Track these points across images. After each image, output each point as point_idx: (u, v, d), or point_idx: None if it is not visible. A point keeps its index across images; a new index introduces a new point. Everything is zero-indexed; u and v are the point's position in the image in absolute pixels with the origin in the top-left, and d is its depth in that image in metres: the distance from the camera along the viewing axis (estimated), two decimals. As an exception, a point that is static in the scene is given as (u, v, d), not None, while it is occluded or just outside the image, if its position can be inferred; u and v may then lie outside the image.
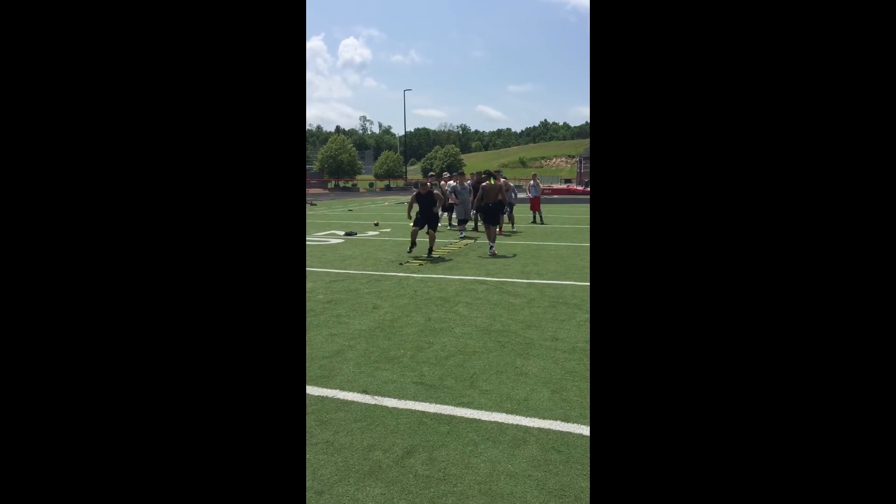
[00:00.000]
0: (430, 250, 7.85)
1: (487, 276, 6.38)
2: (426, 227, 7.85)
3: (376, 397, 2.86)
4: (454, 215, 11.95)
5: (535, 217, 13.69)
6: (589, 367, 3.24)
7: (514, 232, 11.35)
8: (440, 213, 8.20)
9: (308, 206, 22.70)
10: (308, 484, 2.04)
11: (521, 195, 18.82)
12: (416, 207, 8.13)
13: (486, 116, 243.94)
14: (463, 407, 2.72)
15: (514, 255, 7.97)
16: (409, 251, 8.11)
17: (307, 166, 57.94)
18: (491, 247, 8.03)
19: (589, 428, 2.47)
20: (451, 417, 2.61)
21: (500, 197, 8.24)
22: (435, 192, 8.11)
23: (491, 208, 8.16)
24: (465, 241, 9.72)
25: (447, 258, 7.78)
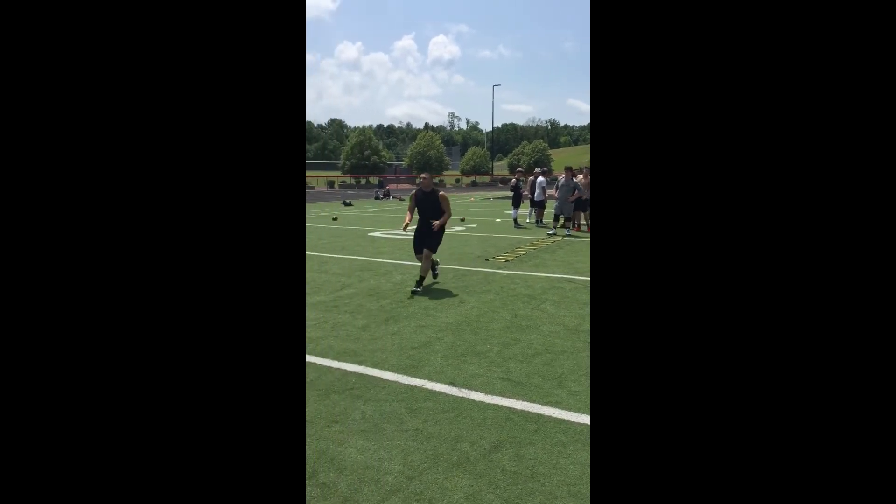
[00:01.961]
0: (420, 280, 5.32)
1: (576, 274, 6.21)
2: (423, 248, 5.39)
3: (463, 390, 2.90)
4: (538, 211, 11.77)
5: None
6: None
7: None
8: (442, 227, 5.45)
9: (398, 200, 23.43)
10: (399, 468, 2.13)
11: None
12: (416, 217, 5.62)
13: (577, 110, 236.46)
14: (551, 406, 2.69)
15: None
16: (419, 287, 5.28)
17: (397, 162, 59.76)
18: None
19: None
20: (539, 416, 2.58)
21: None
22: (441, 193, 5.53)
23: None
24: (552, 238, 9.54)
25: (533, 255, 7.68)
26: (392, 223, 12.85)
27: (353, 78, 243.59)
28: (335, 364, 3.30)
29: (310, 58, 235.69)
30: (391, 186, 34.34)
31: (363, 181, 42.33)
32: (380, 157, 46.40)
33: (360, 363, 3.31)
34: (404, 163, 53.13)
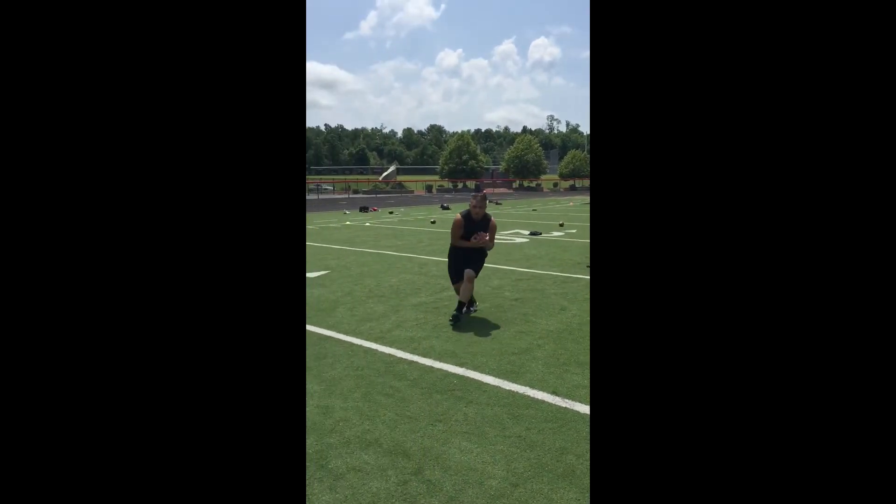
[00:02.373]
0: (462, 305, 4.41)
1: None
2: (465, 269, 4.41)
3: (567, 400, 2.83)
4: None
5: None
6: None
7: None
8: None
9: (494, 204, 23.45)
10: (502, 474, 2.12)
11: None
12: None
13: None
14: (662, 425, 2.53)
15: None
16: (461, 312, 4.39)
17: (494, 166, 59.86)
18: None
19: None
20: (649, 434, 2.44)
21: None
22: (493, 221, 4.54)
23: None
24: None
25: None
26: (489, 227, 12.86)
27: (453, 84, 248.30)
28: (437, 364, 3.38)
29: (411, 67, 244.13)
30: (488, 191, 34.46)
31: (460, 185, 42.94)
32: (477, 161, 46.80)
33: (460, 365, 3.35)
34: (501, 167, 53.13)
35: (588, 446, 2.34)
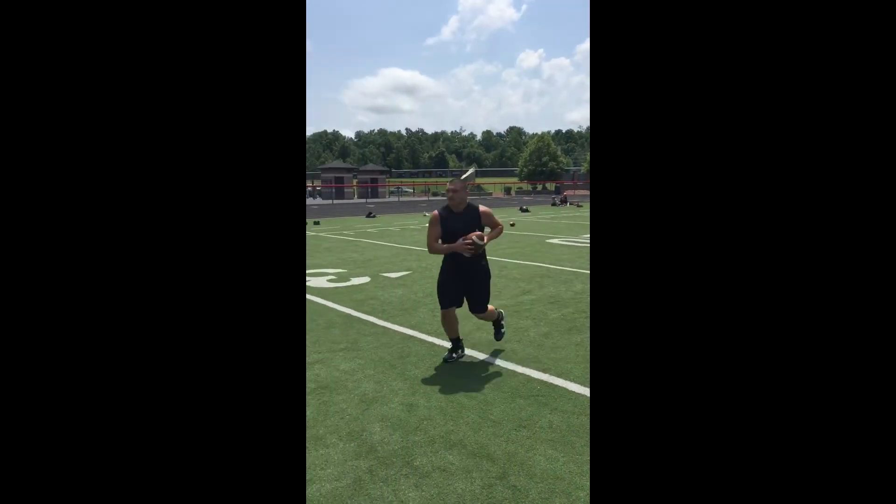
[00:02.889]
0: (456, 343, 3.45)
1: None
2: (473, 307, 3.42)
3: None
4: None
5: None
6: None
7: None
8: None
9: (575, 207, 22.86)
10: (588, 485, 2.04)
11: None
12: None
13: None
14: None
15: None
16: (454, 355, 3.45)
17: (575, 167, 58.32)
18: None
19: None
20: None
21: None
22: (482, 209, 3.37)
23: None
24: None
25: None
26: (570, 230, 12.57)
27: (533, 85, 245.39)
28: (519, 369, 3.33)
29: (490, 69, 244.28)
30: (568, 193, 33.63)
31: (539, 187, 42.28)
32: (557, 162, 45.86)
33: (543, 371, 3.28)
34: (583, 168, 51.67)
35: (684, 464, 2.19)
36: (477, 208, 3.37)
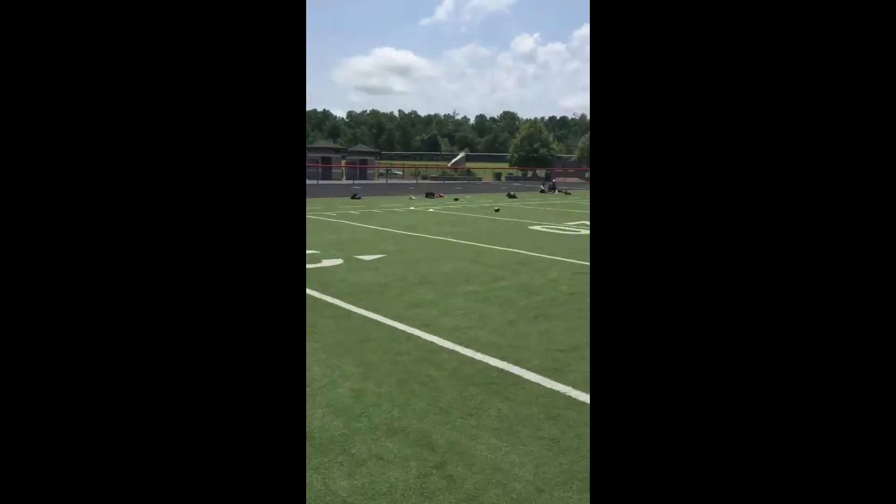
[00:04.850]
0: None
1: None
2: None
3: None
4: None
5: None
6: None
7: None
8: None
9: (563, 194, 22.83)
10: (529, 478, 2.00)
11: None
12: None
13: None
14: (716, 442, 2.29)
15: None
16: None
17: (567, 154, 58.20)
18: None
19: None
20: (700, 450, 2.22)
21: None
22: None
23: None
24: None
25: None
26: (554, 218, 12.52)
27: (528, 70, 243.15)
28: (478, 356, 3.28)
29: (485, 52, 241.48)
30: (557, 180, 33.52)
31: (529, 174, 42.15)
32: (549, 149, 45.71)
33: (503, 359, 3.23)
34: (575, 155, 51.58)
35: (627, 457, 2.16)
36: None
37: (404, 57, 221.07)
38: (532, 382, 2.90)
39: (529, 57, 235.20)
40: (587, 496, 1.89)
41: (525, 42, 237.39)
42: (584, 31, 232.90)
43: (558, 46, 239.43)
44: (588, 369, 3.09)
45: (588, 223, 11.20)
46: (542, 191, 24.90)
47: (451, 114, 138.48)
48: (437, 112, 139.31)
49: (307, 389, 2.74)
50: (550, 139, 48.32)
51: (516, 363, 3.16)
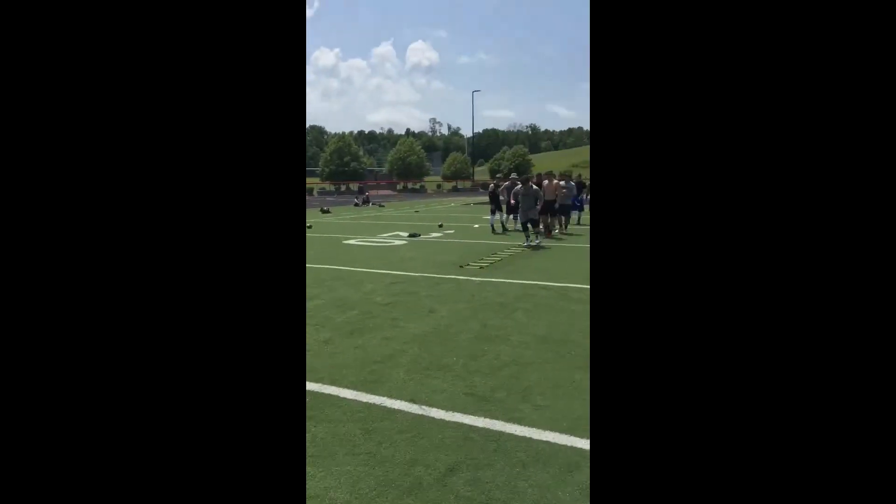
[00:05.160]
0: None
1: (550, 280, 6.13)
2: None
3: (424, 407, 2.77)
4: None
5: None
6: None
7: (567, 234, 10.95)
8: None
9: (377, 207, 23.23)
10: (345, 497, 1.98)
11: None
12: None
13: (557, 115, 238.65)
14: (513, 423, 2.57)
15: (580, 259, 7.64)
16: None
17: (378, 168, 59.48)
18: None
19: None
20: (500, 434, 2.46)
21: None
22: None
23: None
24: (529, 245, 9.47)
25: (508, 262, 7.59)
26: (370, 230, 12.68)
27: (332, 84, 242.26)
28: (292, 381, 3.14)
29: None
30: (371, 193, 34.04)
31: (342, 188, 41.97)
32: (360, 163, 46.15)
33: (317, 381, 3.15)
34: (385, 169, 53.01)
35: (439, 454, 2.29)
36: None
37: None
38: (348, 400, 2.88)
39: (332, 71, 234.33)
40: (403, 502, 1.95)
41: (326, 56, 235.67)
42: (383, 48, 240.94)
43: (359, 62, 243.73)
44: (401, 376, 3.19)
45: (401, 234, 11.59)
46: (356, 204, 25.02)
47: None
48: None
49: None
50: (360, 153, 48.91)
51: (332, 383, 3.11)
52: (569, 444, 2.35)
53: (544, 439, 2.40)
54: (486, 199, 13.35)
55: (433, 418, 2.64)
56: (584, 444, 2.34)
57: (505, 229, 11.73)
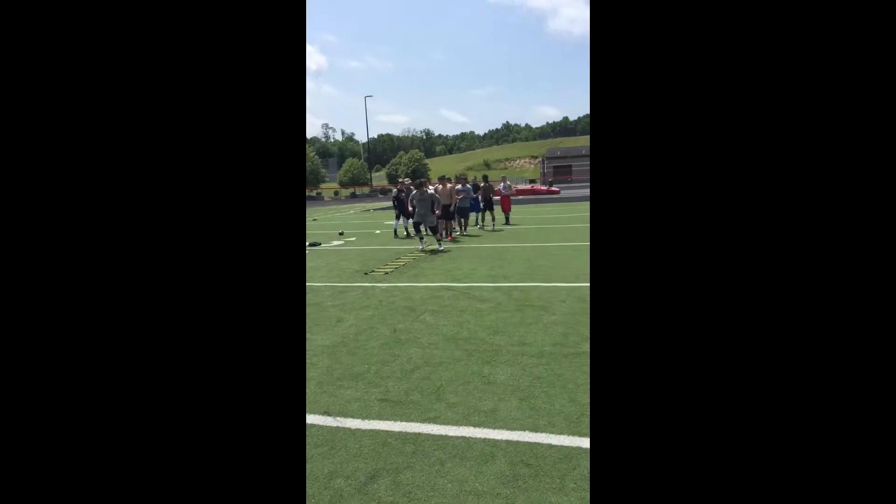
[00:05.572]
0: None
1: (454, 281, 6.30)
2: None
3: (338, 419, 2.74)
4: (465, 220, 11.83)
5: (506, 218, 13.80)
6: (556, 373, 3.20)
7: (466, 235, 11.36)
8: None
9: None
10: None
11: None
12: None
13: (450, 120, 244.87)
14: (429, 423, 2.63)
15: (481, 259, 7.94)
16: None
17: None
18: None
19: (559, 437, 2.41)
20: (417, 436, 2.51)
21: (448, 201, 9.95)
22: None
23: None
24: (429, 249, 9.64)
25: (412, 266, 7.68)
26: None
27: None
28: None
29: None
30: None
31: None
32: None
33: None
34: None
35: (358, 464, 2.28)
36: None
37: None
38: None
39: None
40: (324, 516, 1.92)
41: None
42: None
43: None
44: (313, 389, 3.12)
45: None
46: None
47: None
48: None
49: None
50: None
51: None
52: (482, 437, 2.46)
53: (460, 435, 2.49)
54: (387, 204, 13.33)
55: (349, 429, 2.62)
56: (498, 434, 2.47)
57: (408, 234, 11.82)
